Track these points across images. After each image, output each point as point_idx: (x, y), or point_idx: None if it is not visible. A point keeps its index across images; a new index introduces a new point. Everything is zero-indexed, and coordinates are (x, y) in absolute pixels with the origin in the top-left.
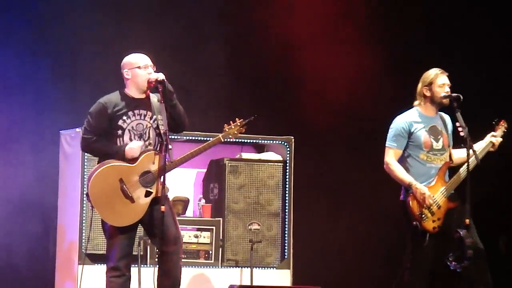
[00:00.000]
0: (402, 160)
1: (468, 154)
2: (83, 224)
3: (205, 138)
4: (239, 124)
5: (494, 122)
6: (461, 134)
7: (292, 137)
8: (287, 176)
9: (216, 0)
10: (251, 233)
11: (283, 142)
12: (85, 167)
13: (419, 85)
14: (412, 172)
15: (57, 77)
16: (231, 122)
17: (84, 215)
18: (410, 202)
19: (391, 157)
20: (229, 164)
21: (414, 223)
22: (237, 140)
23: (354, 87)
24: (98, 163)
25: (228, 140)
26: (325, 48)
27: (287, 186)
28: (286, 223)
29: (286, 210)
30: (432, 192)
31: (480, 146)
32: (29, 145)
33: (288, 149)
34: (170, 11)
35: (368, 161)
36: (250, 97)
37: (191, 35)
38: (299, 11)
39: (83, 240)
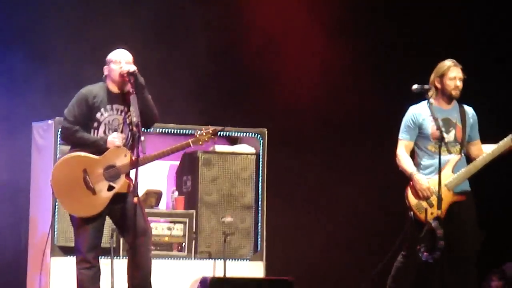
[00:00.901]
0: (412, 151)
1: (439, 146)
2: (56, 217)
3: (178, 131)
4: (210, 131)
5: None
6: (427, 125)
7: (266, 129)
8: (260, 169)
9: None
10: (224, 225)
11: (256, 135)
12: (58, 159)
13: (432, 76)
14: (421, 163)
15: (30, 69)
16: (203, 128)
17: (56, 207)
18: (408, 193)
19: (401, 148)
20: (203, 157)
21: (410, 213)
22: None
23: (328, 80)
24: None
25: (198, 145)
26: (301, 41)
27: (260, 178)
28: (259, 215)
29: (259, 203)
30: (435, 184)
31: (492, 148)
32: (1, 137)
33: (262, 141)
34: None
35: (340, 154)
36: (223, 89)
37: (167, 27)
38: (277, 5)
39: (55, 233)
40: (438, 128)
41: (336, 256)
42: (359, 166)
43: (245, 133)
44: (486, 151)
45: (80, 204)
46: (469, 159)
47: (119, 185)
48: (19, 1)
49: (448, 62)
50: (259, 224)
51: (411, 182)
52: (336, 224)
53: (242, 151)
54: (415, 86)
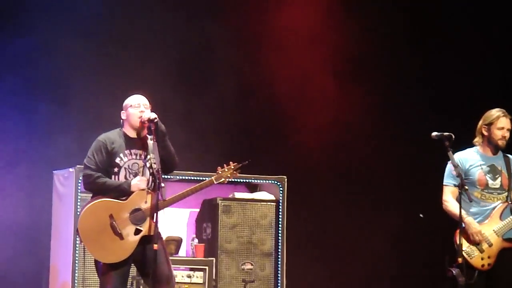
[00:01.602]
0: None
1: (460, 193)
2: (76, 264)
3: (198, 178)
4: (232, 167)
5: None
6: (453, 173)
7: (285, 176)
8: (280, 216)
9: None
10: (244, 273)
11: (276, 182)
12: (78, 207)
13: (480, 123)
14: (466, 209)
15: (52, 117)
16: (224, 165)
17: (77, 255)
18: (457, 238)
19: (448, 195)
20: (222, 204)
21: (459, 259)
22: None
23: (347, 126)
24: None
25: (221, 182)
26: (319, 90)
27: (280, 225)
28: (279, 263)
29: (279, 250)
30: (485, 230)
31: None
32: (22, 185)
33: (281, 188)
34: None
35: (362, 200)
36: (243, 137)
37: (186, 75)
38: (296, 52)
39: (76, 280)
40: (459, 175)
41: None
42: (381, 213)
43: (264, 181)
44: None
45: (109, 250)
46: None
47: (146, 227)
48: (44, 45)
49: (498, 111)
50: (279, 272)
51: (459, 227)
52: (357, 272)
53: (262, 198)
54: (434, 133)
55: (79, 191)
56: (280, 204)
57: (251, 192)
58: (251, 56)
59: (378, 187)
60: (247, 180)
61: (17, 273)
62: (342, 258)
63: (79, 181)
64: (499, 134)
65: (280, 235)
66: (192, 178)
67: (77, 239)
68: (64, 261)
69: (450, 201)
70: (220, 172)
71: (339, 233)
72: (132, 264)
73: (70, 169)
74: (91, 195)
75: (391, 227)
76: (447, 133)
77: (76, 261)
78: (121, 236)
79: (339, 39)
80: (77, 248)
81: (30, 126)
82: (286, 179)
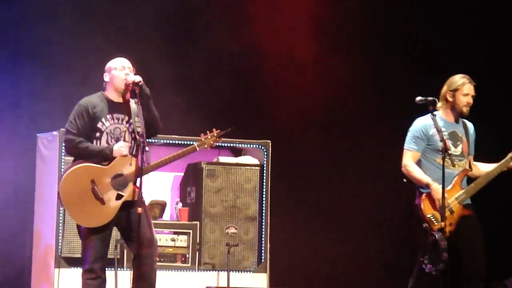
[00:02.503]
0: (419, 163)
1: (443, 158)
2: (60, 227)
3: (182, 142)
4: (215, 134)
5: None
6: (436, 137)
7: (269, 141)
8: (264, 180)
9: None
10: (228, 237)
11: (260, 146)
12: (62, 170)
13: (444, 88)
14: (428, 175)
15: (36, 81)
16: (207, 131)
17: (60, 218)
18: (422, 205)
19: (409, 159)
20: (207, 168)
21: (424, 225)
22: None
23: (330, 90)
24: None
25: (203, 149)
26: (301, 55)
27: (264, 190)
28: (263, 227)
29: (263, 214)
30: (448, 196)
31: (492, 166)
32: (6, 148)
33: (265, 153)
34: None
35: (345, 165)
36: (228, 101)
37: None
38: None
39: (60, 243)
40: (443, 140)
41: (339, 268)
42: (363, 178)
43: (249, 145)
44: (485, 168)
45: (90, 215)
46: None
47: (128, 193)
48: (30, 18)
49: (463, 78)
50: (263, 236)
51: (423, 193)
52: (340, 235)
53: (246, 163)
54: (419, 98)
55: (63, 154)
56: (264, 168)
57: (236, 156)
58: (236, 23)
59: (361, 153)
60: (231, 145)
61: (0, 237)
62: (325, 223)
63: (63, 144)
64: (464, 101)
65: (264, 199)
66: (176, 142)
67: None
68: (48, 224)
69: (411, 165)
70: (203, 139)
71: (323, 197)
72: (116, 228)
73: (54, 132)
74: (73, 159)
75: (375, 193)
76: (431, 98)
77: (60, 224)
78: (102, 201)
79: (322, 12)
80: (60, 212)
81: (14, 88)
82: (270, 144)
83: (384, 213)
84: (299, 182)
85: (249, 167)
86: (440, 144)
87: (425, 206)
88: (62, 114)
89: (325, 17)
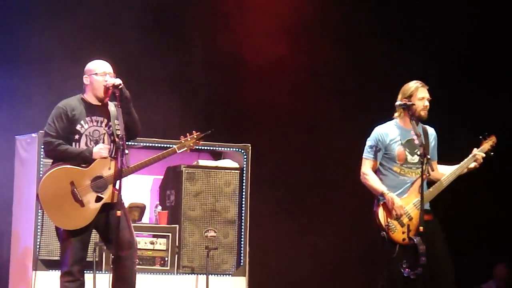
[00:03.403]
0: (376, 171)
1: (422, 163)
2: (38, 230)
3: (161, 145)
4: (195, 136)
5: (481, 137)
6: (416, 142)
7: (249, 144)
8: (244, 184)
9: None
10: (207, 240)
11: (240, 150)
12: (41, 172)
13: (399, 97)
14: (385, 183)
15: (14, 83)
16: (187, 134)
17: (39, 220)
18: (379, 213)
19: (367, 168)
20: (186, 171)
21: (382, 233)
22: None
23: (311, 94)
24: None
25: (183, 151)
26: (281, 58)
27: (243, 193)
28: (242, 230)
29: (243, 217)
30: (404, 204)
31: (453, 168)
32: None
33: (245, 156)
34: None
35: (325, 169)
36: (208, 104)
37: (145, 43)
38: (252, 19)
39: (38, 246)
40: (422, 145)
41: (319, 272)
42: (344, 182)
43: (229, 148)
44: (446, 171)
45: (69, 217)
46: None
47: (107, 195)
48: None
49: (415, 83)
50: (242, 239)
51: (380, 202)
52: (321, 239)
53: (226, 166)
54: (398, 103)
55: (41, 156)
56: (244, 172)
57: (215, 159)
58: (217, 24)
59: (342, 157)
60: (211, 148)
61: None
62: (305, 226)
63: (42, 146)
64: (420, 105)
65: (243, 203)
66: (156, 145)
67: (39, 206)
68: (26, 227)
69: (369, 173)
70: (183, 142)
71: (303, 201)
72: (95, 230)
73: (33, 135)
74: (52, 161)
75: (356, 196)
76: (410, 102)
77: (38, 227)
78: (81, 203)
79: (304, 16)
80: (39, 214)
81: None
82: (250, 147)
83: (365, 216)
84: (278, 186)
85: (229, 171)
86: (403, 154)
87: (382, 215)
88: (41, 116)
89: (307, 20)
